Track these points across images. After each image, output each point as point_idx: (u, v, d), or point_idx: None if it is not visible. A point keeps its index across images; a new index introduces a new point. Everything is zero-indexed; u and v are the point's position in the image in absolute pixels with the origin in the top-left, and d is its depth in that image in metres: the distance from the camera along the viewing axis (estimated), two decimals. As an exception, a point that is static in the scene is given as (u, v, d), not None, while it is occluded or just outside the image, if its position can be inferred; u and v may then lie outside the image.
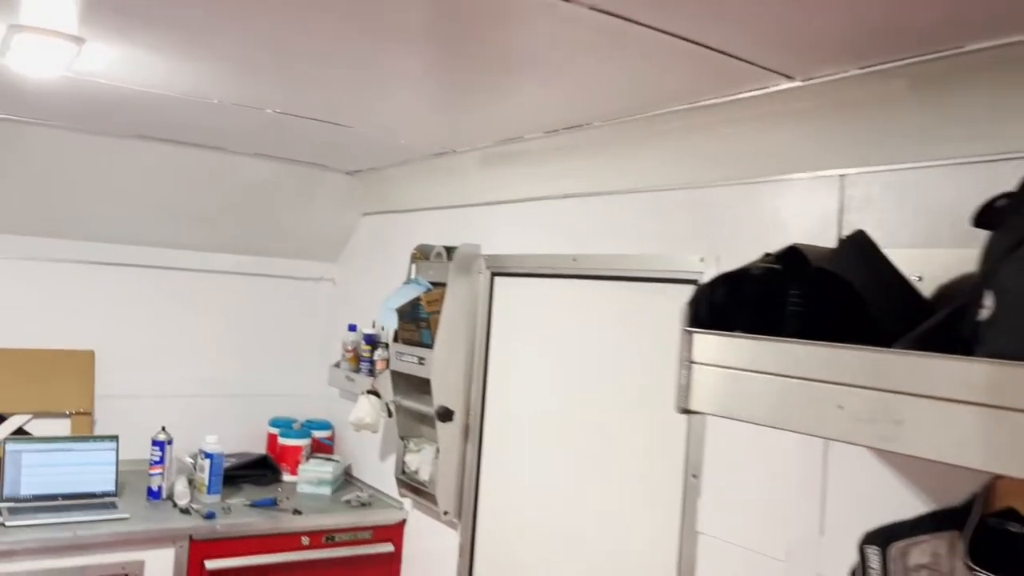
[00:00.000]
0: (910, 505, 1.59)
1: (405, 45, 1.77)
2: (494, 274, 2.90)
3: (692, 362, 1.51)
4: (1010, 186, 1.49)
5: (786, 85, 1.71)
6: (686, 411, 1.52)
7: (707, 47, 1.55)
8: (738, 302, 1.52)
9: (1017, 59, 1.44)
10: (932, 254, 1.55)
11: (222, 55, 1.93)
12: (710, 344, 1.48)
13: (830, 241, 1.78)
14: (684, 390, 1.52)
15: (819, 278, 1.47)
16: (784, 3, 1.35)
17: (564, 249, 2.55)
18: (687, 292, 2.17)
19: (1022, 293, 1.10)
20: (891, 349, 1.20)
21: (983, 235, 1.44)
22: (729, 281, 1.54)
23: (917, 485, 1.60)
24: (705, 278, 2.09)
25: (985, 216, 1.27)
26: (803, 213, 1.86)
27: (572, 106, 2.13)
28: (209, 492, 3.14)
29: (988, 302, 1.17)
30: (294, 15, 1.59)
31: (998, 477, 1.43)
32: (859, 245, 1.45)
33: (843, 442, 1.32)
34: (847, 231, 1.77)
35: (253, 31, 1.72)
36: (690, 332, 1.51)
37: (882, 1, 1.30)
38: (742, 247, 1.98)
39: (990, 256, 1.21)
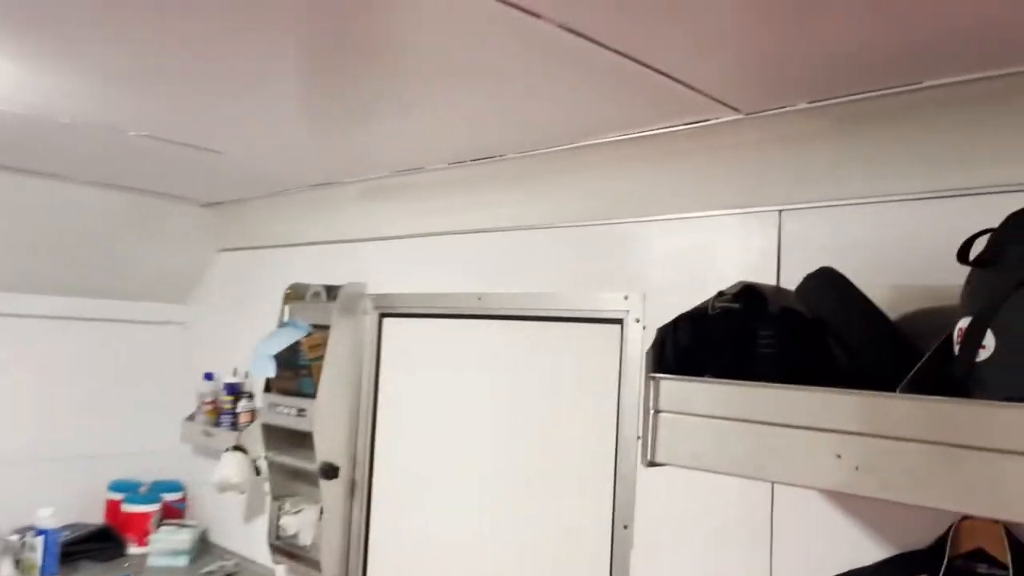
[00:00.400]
0: (867, 550, 1.54)
1: (288, 52, 1.53)
2: (383, 315, 2.69)
3: (659, 411, 1.39)
4: (945, 223, 1.49)
5: (729, 117, 1.65)
6: (653, 464, 1.40)
7: (660, 72, 1.45)
8: (703, 344, 1.42)
9: (966, 98, 1.45)
10: (874, 292, 1.52)
11: (82, 60, 1.62)
12: (681, 391, 1.36)
13: (769, 278, 1.74)
14: (649, 442, 1.40)
15: (788, 317, 1.41)
16: (753, 34, 1.29)
17: (467, 287, 2.38)
18: (609, 332, 2.10)
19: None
20: (899, 394, 1.13)
21: (935, 271, 1.45)
22: (692, 321, 1.44)
23: (874, 529, 1.55)
24: (630, 317, 2.00)
25: (966, 252, 1.23)
26: (739, 249, 1.81)
27: (485, 134, 1.97)
28: (43, 575, 2.68)
29: (989, 342, 1.13)
30: (163, 13, 1.34)
31: (965, 517, 1.41)
32: (829, 281, 1.40)
33: (841, 492, 1.25)
34: (784, 268, 1.74)
35: (117, 28, 1.43)
36: (656, 378, 1.39)
37: (849, 34, 1.25)
38: (671, 285, 1.91)
39: (983, 294, 1.17)
